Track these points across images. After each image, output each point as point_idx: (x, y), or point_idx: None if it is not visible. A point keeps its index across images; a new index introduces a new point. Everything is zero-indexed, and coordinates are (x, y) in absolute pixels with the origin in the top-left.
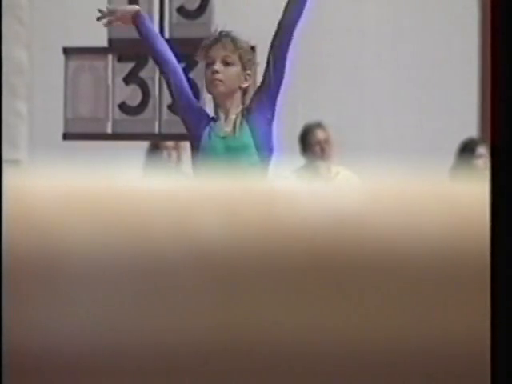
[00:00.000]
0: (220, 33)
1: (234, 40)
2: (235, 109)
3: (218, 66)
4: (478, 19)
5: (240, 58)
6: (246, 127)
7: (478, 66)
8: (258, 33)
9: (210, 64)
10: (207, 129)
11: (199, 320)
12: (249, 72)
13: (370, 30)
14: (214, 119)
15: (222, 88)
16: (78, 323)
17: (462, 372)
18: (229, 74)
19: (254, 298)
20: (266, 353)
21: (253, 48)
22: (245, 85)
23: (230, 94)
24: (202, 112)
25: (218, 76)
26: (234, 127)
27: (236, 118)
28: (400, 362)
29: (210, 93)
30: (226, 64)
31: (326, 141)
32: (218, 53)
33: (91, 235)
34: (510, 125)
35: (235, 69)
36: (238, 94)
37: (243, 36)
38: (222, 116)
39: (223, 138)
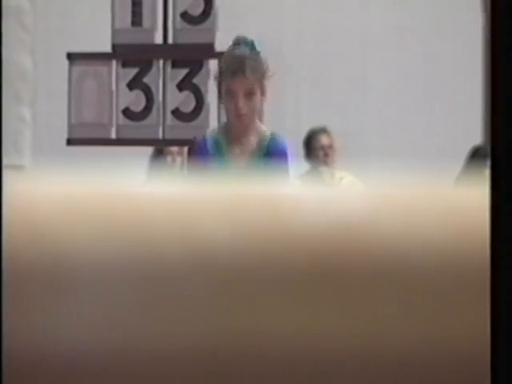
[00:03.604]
0: (242, 58)
1: (256, 67)
2: (252, 137)
3: (241, 102)
4: (481, 23)
5: (260, 80)
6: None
7: (483, 71)
8: (262, 38)
9: (231, 95)
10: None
11: (203, 325)
12: (265, 83)
13: (375, 36)
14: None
15: (246, 121)
16: (80, 328)
17: (463, 376)
18: (252, 106)
19: (258, 303)
20: (271, 358)
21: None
22: (263, 100)
23: (251, 122)
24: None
25: (243, 111)
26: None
27: (250, 155)
28: (403, 366)
29: (231, 124)
30: (249, 94)
31: (330, 146)
32: (242, 85)
33: (95, 241)
34: (510, 127)
35: (257, 96)
36: (256, 116)
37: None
38: (236, 150)
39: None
